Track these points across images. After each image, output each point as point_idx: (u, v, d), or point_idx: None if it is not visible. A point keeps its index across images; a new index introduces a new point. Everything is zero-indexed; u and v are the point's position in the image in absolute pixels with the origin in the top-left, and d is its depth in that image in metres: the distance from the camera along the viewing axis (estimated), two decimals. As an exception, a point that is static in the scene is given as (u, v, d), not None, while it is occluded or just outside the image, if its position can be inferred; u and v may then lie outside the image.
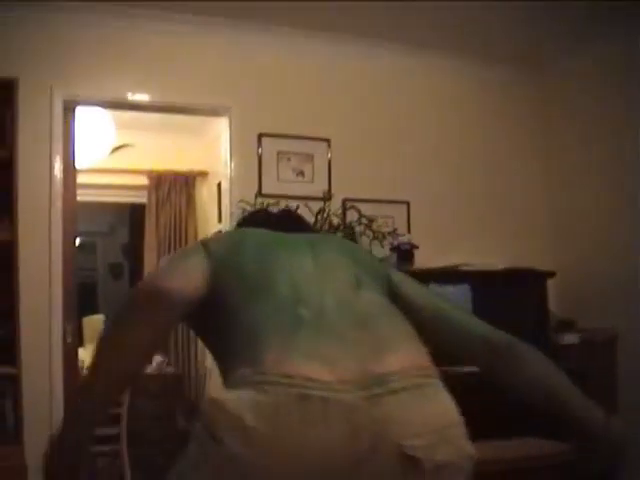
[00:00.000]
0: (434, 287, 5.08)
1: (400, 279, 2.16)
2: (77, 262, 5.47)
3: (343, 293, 1.87)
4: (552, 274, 5.54)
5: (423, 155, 5.98)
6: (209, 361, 7.40)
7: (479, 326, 2.16)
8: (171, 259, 2.09)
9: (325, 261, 1.99)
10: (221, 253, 1.95)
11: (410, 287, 2.14)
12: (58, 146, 4.98)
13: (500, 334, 2.15)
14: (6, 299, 4.35)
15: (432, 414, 1.66)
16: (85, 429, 1.82)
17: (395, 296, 2.06)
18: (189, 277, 1.84)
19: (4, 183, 4.51)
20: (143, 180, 7.86)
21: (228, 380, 1.66)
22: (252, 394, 1.55)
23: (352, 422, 1.54)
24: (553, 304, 5.71)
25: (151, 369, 7.13)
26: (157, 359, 7.32)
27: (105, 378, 1.77)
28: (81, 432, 1.81)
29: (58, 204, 4.95)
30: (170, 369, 7.37)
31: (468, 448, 1.71)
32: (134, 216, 8.94)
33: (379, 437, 1.55)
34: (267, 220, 2.33)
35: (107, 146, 7.10)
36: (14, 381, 4.33)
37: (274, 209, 2.62)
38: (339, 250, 2.10)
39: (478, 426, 4.15)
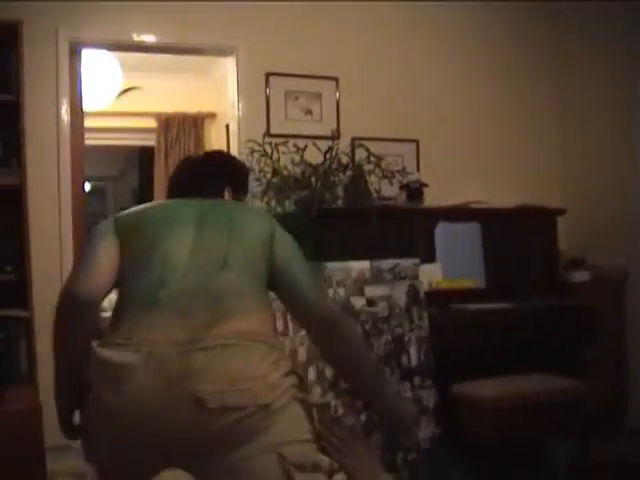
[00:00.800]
0: (444, 225, 5.09)
1: (279, 249, 2.44)
2: (87, 207, 5.48)
3: (205, 276, 2.22)
4: (562, 211, 5.51)
5: (433, 93, 5.94)
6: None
7: (312, 299, 2.40)
8: (83, 249, 2.40)
9: (203, 242, 2.30)
10: (125, 230, 2.33)
11: (282, 256, 2.44)
12: (64, 89, 4.97)
13: (328, 310, 2.41)
14: (17, 244, 4.37)
15: (230, 368, 2.01)
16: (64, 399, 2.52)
17: (273, 264, 2.40)
18: (98, 272, 2.24)
19: (11, 127, 4.50)
20: (152, 123, 7.84)
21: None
22: (108, 352, 2.06)
23: (166, 370, 1.97)
24: (563, 242, 5.69)
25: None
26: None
27: (64, 373, 2.41)
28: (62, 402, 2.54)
29: (66, 148, 4.95)
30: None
31: (262, 399, 2.01)
32: (143, 159, 8.93)
33: (183, 383, 1.96)
34: (179, 181, 2.75)
35: (114, 89, 7.07)
36: (26, 323, 4.38)
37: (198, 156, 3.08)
38: (223, 225, 2.37)
39: (501, 362, 4.22)
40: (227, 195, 2.76)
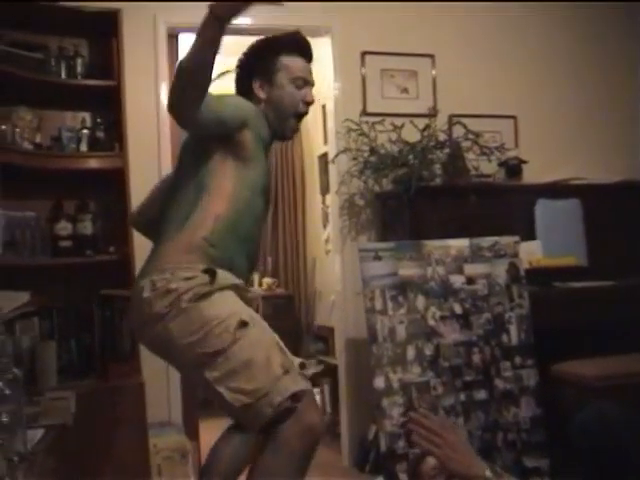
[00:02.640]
0: (544, 202, 5.02)
1: None
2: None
3: None
4: (666, 187, 5.37)
5: (530, 68, 5.84)
6: (318, 282, 7.52)
7: None
8: None
9: None
10: None
11: None
12: (164, 74, 5.04)
13: None
14: (120, 225, 4.47)
15: None
16: None
17: None
18: None
19: (113, 112, 4.61)
20: (248, 105, 7.89)
21: None
22: None
23: None
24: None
25: (262, 291, 7.29)
26: (267, 280, 7.46)
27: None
28: None
29: (166, 131, 5.02)
30: (280, 290, 7.50)
31: None
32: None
33: None
34: None
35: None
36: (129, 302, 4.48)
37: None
38: None
39: (604, 341, 4.14)
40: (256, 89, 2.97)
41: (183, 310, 2.44)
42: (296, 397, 2.33)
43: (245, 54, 3.02)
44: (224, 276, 2.50)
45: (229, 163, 2.64)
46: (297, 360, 2.44)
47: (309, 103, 2.92)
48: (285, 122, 2.91)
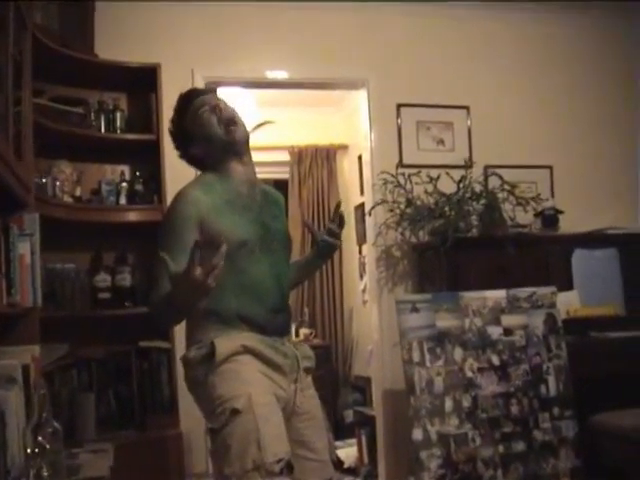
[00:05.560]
0: (581, 252, 4.99)
1: None
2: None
3: None
4: None
5: (565, 118, 5.84)
6: (355, 333, 7.51)
7: None
8: None
9: None
10: None
11: None
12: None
13: None
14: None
15: None
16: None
17: None
18: None
19: (152, 165, 4.68)
20: (285, 156, 7.96)
21: None
22: None
23: None
24: None
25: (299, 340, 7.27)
26: (304, 331, 7.46)
27: None
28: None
29: (204, 183, 5.07)
30: (317, 341, 7.49)
31: None
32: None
33: None
34: None
35: (249, 124, 7.22)
36: (167, 354, 4.51)
37: None
38: None
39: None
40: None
41: (201, 382, 2.54)
42: None
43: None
44: (227, 344, 2.52)
45: None
46: (282, 455, 2.43)
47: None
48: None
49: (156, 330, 4.46)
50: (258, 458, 2.35)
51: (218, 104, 2.79)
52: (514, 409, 4.27)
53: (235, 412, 2.39)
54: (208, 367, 2.50)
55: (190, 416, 4.52)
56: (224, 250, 2.10)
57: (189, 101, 2.82)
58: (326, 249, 2.96)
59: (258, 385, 2.51)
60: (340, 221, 2.94)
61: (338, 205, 3.00)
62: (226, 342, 2.51)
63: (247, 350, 2.54)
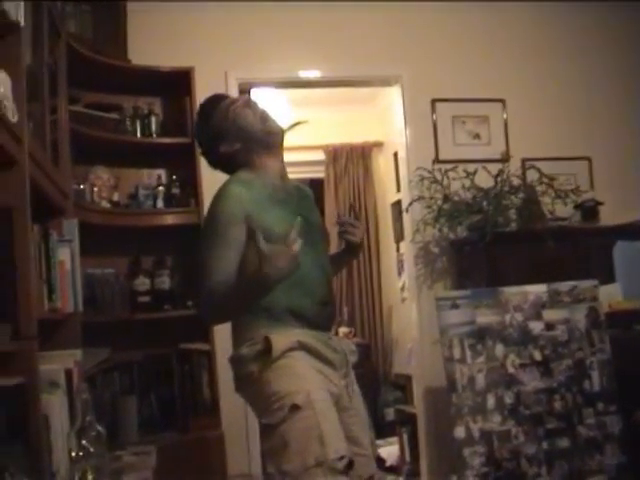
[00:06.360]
0: (622, 244, 4.94)
1: None
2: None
3: None
4: None
5: (603, 108, 5.78)
6: (395, 331, 7.49)
7: None
8: None
9: None
10: None
11: None
12: (236, 128, 5.12)
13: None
14: (197, 279, 4.51)
15: None
16: None
17: None
18: None
19: (188, 169, 4.69)
20: (320, 155, 7.96)
21: None
22: None
23: None
24: None
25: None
26: (344, 330, 7.45)
27: None
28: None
29: (239, 185, 5.08)
30: (357, 339, 7.48)
31: None
32: (314, 191, 9.05)
33: None
34: None
35: (283, 125, 7.23)
36: (208, 356, 4.53)
37: None
38: None
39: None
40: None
41: (255, 379, 2.52)
42: None
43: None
44: (282, 340, 2.50)
45: None
46: (342, 453, 2.41)
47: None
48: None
49: (196, 332, 4.49)
50: (321, 455, 2.33)
51: (249, 99, 2.84)
52: (557, 405, 4.23)
53: (295, 408, 2.37)
54: (262, 364, 2.49)
55: (231, 417, 4.55)
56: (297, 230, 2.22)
57: (214, 104, 2.83)
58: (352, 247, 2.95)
59: (314, 381, 2.50)
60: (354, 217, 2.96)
61: (351, 206, 3.02)
62: (281, 338, 2.50)
63: (302, 346, 2.53)
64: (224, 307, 2.46)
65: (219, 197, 2.60)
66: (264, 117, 2.77)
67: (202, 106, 2.90)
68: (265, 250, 2.19)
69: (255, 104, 2.80)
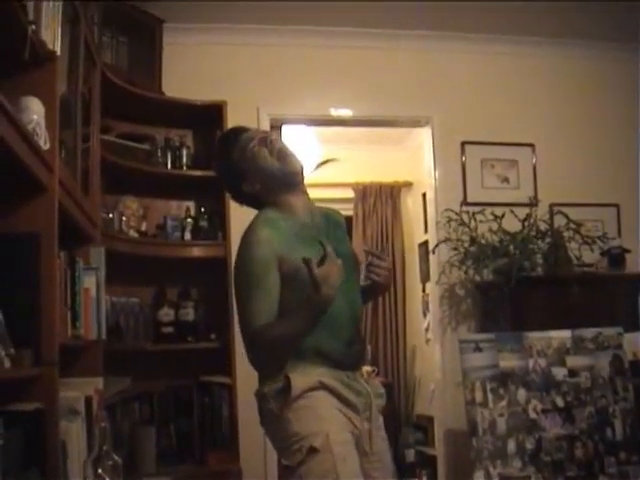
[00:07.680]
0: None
1: None
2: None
3: None
4: None
5: (631, 155, 5.75)
6: (418, 371, 7.45)
7: None
8: None
9: None
10: None
11: None
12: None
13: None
14: (221, 313, 4.53)
15: None
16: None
17: None
18: None
19: (217, 202, 4.73)
20: (349, 193, 7.97)
21: None
22: None
23: None
24: None
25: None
26: (366, 368, 7.39)
27: None
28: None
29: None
30: (379, 379, 7.43)
31: None
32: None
33: None
34: None
35: (313, 162, 7.26)
36: (229, 390, 4.52)
37: None
38: None
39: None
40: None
41: (276, 417, 2.49)
42: None
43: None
44: (302, 379, 2.47)
45: None
46: None
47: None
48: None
49: (218, 365, 4.49)
50: None
51: (266, 137, 2.73)
52: (579, 452, 4.18)
53: (313, 450, 2.35)
54: (283, 402, 2.46)
55: (250, 452, 4.53)
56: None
57: (234, 139, 2.75)
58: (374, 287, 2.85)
59: (335, 422, 2.46)
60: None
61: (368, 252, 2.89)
62: (302, 377, 2.46)
63: (323, 386, 2.49)
64: (276, 348, 2.44)
65: (249, 244, 2.52)
66: (282, 155, 2.66)
67: (220, 141, 2.89)
68: (319, 273, 2.21)
69: (273, 141, 2.70)
